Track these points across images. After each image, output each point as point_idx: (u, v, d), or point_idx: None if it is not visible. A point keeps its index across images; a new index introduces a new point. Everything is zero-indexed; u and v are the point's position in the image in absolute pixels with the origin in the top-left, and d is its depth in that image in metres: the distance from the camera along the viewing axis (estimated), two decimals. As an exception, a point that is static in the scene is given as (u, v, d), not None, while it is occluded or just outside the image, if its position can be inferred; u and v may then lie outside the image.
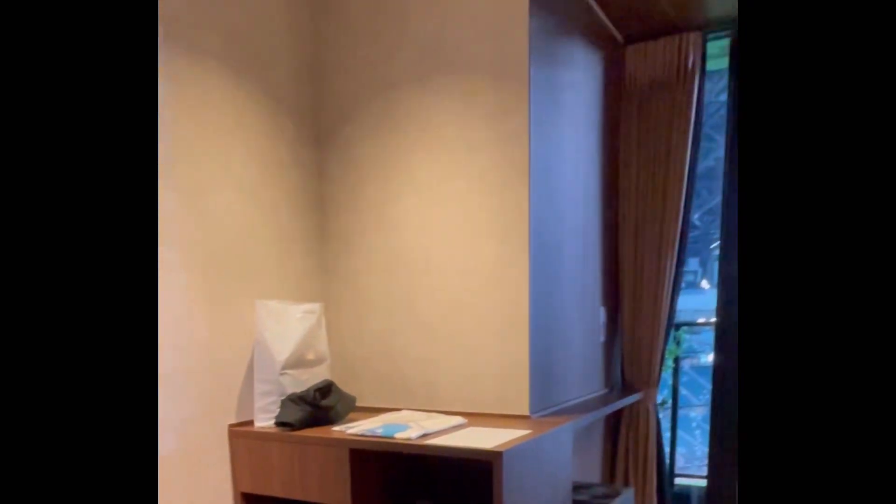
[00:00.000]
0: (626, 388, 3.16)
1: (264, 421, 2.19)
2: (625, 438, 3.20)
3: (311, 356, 2.29)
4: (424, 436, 1.97)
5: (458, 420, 2.17)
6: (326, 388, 2.22)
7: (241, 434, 2.20)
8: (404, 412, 2.35)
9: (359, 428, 2.06)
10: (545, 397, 2.41)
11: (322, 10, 2.59)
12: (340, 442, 2.00)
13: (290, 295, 2.49)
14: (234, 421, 2.25)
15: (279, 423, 2.14)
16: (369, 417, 2.26)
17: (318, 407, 2.15)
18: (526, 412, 2.28)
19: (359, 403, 2.48)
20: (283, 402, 2.15)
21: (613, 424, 3.28)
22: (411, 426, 2.04)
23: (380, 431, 1.99)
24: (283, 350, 2.18)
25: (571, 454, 2.23)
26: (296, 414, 2.11)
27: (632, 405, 3.15)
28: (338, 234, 2.64)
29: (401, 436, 1.95)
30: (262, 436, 2.15)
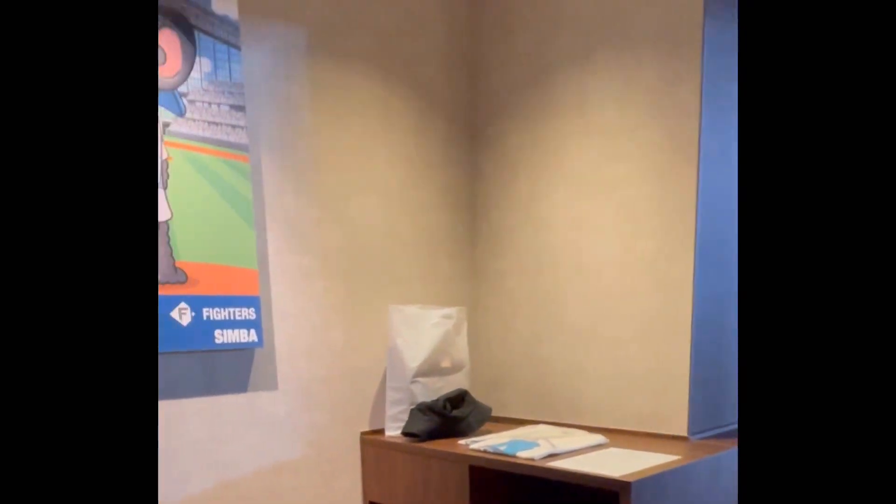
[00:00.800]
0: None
1: (394, 430, 2.15)
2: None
3: (446, 363, 2.20)
4: (551, 456, 1.80)
5: (599, 439, 1.95)
6: (458, 398, 2.12)
7: (371, 442, 2.19)
8: (541, 427, 2.18)
9: (483, 443, 1.93)
10: (710, 415, 2.09)
11: (479, 3, 2.49)
12: (461, 457, 1.89)
13: (436, 299, 2.43)
14: (366, 429, 2.24)
15: (405, 433, 2.08)
16: (503, 430, 2.13)
17: (447, 417, 2.06)
18: (683, 432, 2.00)
19: (503, 414, 2.35)
20: (411, 411, 2.09)
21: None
22: (540, 444, 1.87)
23: (503, 448, 1.85)
24: (415, 357, 2.12)
25: (737, 486, 1.91)
26: (422, 424, 2.04)
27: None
28: (488, 235, 2.53)
29: (524, 454, 1.79)
30: (389, 445, 2.11)
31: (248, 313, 1.93)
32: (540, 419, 2.31)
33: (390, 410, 2.16)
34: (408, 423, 2.08)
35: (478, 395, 2.28)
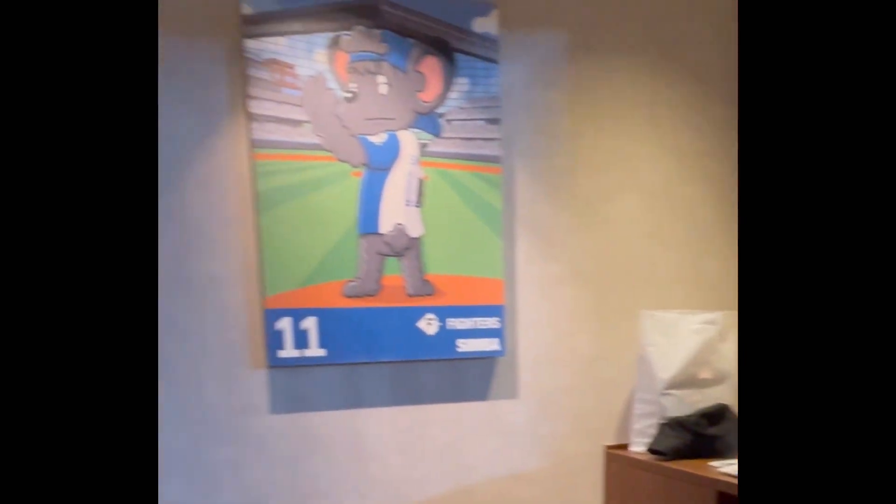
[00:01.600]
0: None
1: (640, 446, 2.05)
2: None
3: (705, 374, 2.04)
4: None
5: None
6: (717, 414, 1.95)
7: (615, 457, 2.11)
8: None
9: (736, 466, 1.76)
10: None
11: None
12: (709, 481, 1.73)
13: (703, 303, 2.25)
14: (612, 442, 2.17)
15: (651, 451, 1.98)
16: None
17: (700, 435, 1.91)
18: None
19: (775, 434, 2.10)
20: (660, 426, 1.98)
21: None
22: (805, 475, 1.64)
23: (757, 477, 1.66)
24: (667, 367, 2.00)
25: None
26: (670, 441, 1.92)
27: None
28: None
29: (781, 487, 1.59)
30: (633, 462, 2.02)
31: (491, 323, 2.01)
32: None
33: (637, 424, 2.07)
34: (655, 438, 1.98)
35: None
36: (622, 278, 2.19)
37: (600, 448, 2.18)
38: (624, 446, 2.15)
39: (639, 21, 2.15)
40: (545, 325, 2.11)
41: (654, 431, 2.01)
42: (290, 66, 1.87)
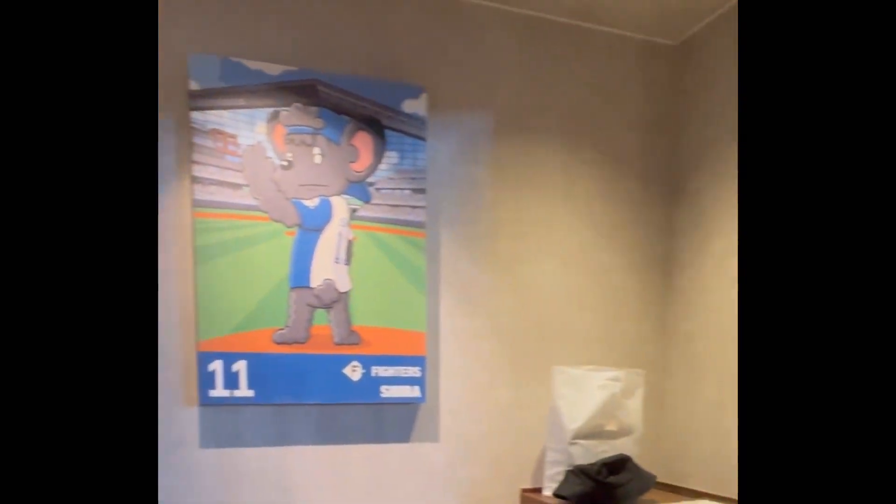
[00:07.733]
0: None
1: (550, 490, 2.17)
2: None
3: (612, 427, 2.18)
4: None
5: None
6: (618, 464, 2.09)
7: (530, 500, 2.23)
8: (704, 502, 2.05)
9: (633, 507, 1.88)
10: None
11: (681, 65, 2.49)
12: (608, 521, 1.86)
13: (620, 361, 2.42)
14: (528, 486, 2.29)
15: (556, 495, 2.10)
16: (672, 502, 2.04)
17: (600, 483, 2.04)
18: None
19: (683, 484, 2.24)
20: (566, 473, 2.11)
21: None
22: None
23: (652, 513, 1.79)
24: (574, 418, 2.14)
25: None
26: (573, 488, 2.04)
27: None
28: (680, 294, 2.47)
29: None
30: (544, 504, 2.14)
31: (413, 371, 2.15)
32: (723, 494, 2.16)
33: (549, 471, 2.19)
34: (560, 484, 2.10)
35: (654, 462, 2.22)
36: (539, 336, 2.35)
37: (517, 491, 2.30)
38: (538, 490, 2.27)
39: (563, 108, 2.37)
40: (465, 376, 2.25)
41: (562, 478, 2.13)
42: (233, 136, 2.03)
